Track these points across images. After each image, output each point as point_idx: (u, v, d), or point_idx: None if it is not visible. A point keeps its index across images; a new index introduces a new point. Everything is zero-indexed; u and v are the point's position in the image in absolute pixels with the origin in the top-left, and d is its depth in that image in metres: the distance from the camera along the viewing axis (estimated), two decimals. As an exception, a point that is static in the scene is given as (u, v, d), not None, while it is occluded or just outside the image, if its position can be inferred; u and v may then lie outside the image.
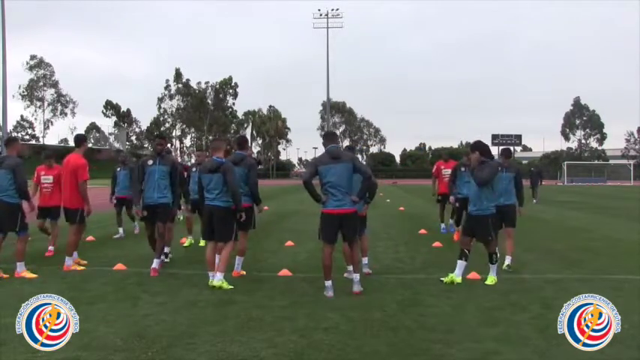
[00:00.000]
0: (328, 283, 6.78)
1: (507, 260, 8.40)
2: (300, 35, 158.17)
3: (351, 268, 7.31)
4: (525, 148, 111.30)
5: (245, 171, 7.77)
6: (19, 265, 7.89)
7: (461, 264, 7.53)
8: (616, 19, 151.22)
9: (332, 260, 6.86)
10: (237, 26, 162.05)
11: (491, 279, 7.51)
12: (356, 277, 6.86)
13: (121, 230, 12.31)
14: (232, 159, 7.77)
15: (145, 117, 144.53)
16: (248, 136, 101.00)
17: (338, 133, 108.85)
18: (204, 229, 7.55)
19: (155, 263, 8.07)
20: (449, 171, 12.19)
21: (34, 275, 7.79)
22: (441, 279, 7.51)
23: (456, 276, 7.48)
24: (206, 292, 6.90)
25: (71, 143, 72.86)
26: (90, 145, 79.89)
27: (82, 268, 8.43)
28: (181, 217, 13.49)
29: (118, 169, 12.44)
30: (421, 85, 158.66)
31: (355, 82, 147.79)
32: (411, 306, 6.27)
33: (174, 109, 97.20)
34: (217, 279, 7.09)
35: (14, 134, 79.32)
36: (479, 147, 7.61)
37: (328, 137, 7.19)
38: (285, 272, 8.09)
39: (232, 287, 7.05)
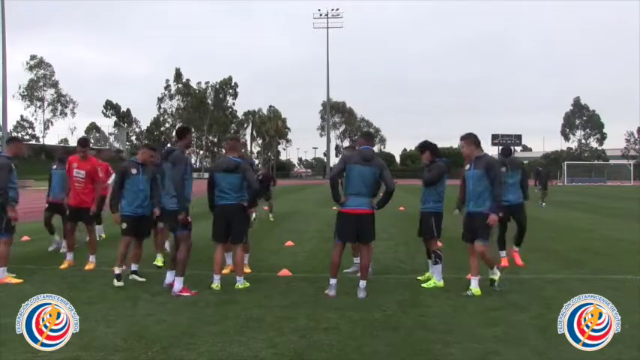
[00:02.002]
0: (333, 281, 6.80)
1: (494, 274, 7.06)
2: (300, 35, 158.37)
3: (358, 260, 7.50)
4: (525, 148, 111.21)
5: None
6: (1, 270, 7.47)
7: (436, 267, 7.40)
8: (616, 19, 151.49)
9: (341, 259, 6.91)
10: (237, 26, 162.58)
11: (432, 282, 7.32)
12: (362, 283, 6.79)
13: (57, 238, 10.20)
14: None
15: (145, 117, 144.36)
16: (248, 137, 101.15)
17: (338, 133, 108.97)
18: (216, 231, 7.31)
19: (178, 282, 6.87)
20: None
21: (19, 280, 7.46)
22: (418, 277, 7.58)
23: (437, 280, 7.35)
24: (206, 292, 6.89)
25: (72, 143, 72.90)
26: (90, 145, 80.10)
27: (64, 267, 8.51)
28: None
29: (54, 167, 10.07)
30: (421, 85, 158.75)
31: (355, 82, 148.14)
32: (411, 306, 6.27)
33: (174, 109, 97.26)
34: (240, 283, 7.20)
35: (14, 134, 79.27)
36: (429, 146, 7.58)
37: (365, 137, 7.35)
38: (285, 272, 8.09)
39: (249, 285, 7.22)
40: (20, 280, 7.46)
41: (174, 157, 7.00)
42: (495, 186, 6.82)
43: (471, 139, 7.09)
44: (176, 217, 6.95)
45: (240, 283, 7.20)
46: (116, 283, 7.25)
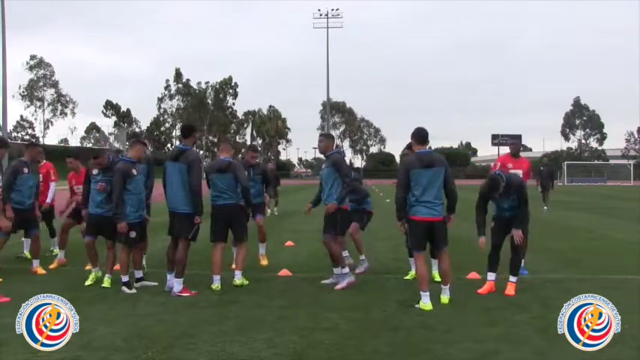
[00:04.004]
0: (345, 270, 7.12)
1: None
2: (300, 35, 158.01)
3: (363, 257, 8.15)
4: (525, 148, 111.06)
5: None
6: None
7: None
8: (616, 18, 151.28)
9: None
10: (237, 26, 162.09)
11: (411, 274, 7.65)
12: (336, 270, 7.19)
13: None
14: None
15: (145, 117, 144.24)
16: (247, 137, 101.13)
17: (338, 132, 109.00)
18: (215, 231, 7.29)
19: (178, 283, 6.79)
20: (521, 173, 7.88)
21: None
22: (406, 277, 7.75)
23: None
24: (206, 292, 6.90)
25: (72, 143, 72.95)
26: (90, 145, 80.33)
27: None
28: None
29: None
30: (421, 85, 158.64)
31: (355, 82, 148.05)
32: (411, 306, 6.26)
33: (174, 109, 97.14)
34: (238, 278, 7.24)
35: (14, 134, 79.23)
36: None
37: (326, 138, 7.64)
38: (285, 272, 8.10)
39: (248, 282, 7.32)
40: None
41: (191, 160, 6.76)
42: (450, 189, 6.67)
43: (412, 135, 6.90)
44: (190, 222, 6.79)
45: (238, 279, 7.19)
46: (127, 290, 6.86)
